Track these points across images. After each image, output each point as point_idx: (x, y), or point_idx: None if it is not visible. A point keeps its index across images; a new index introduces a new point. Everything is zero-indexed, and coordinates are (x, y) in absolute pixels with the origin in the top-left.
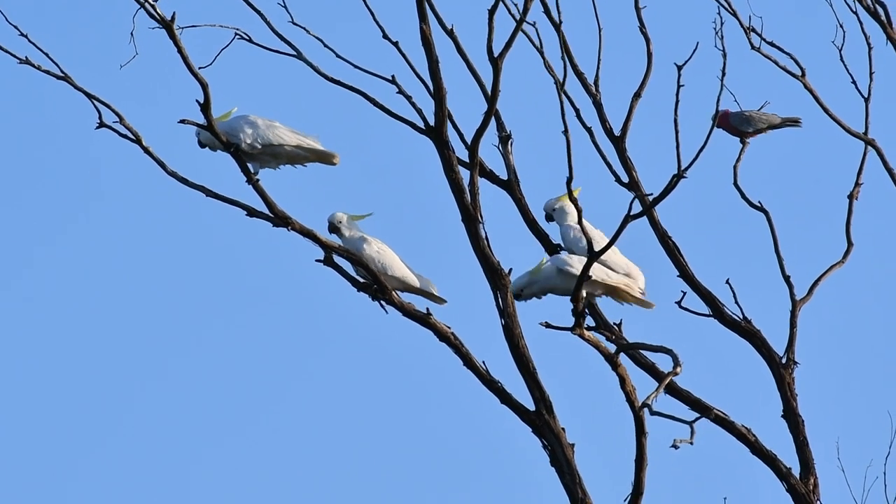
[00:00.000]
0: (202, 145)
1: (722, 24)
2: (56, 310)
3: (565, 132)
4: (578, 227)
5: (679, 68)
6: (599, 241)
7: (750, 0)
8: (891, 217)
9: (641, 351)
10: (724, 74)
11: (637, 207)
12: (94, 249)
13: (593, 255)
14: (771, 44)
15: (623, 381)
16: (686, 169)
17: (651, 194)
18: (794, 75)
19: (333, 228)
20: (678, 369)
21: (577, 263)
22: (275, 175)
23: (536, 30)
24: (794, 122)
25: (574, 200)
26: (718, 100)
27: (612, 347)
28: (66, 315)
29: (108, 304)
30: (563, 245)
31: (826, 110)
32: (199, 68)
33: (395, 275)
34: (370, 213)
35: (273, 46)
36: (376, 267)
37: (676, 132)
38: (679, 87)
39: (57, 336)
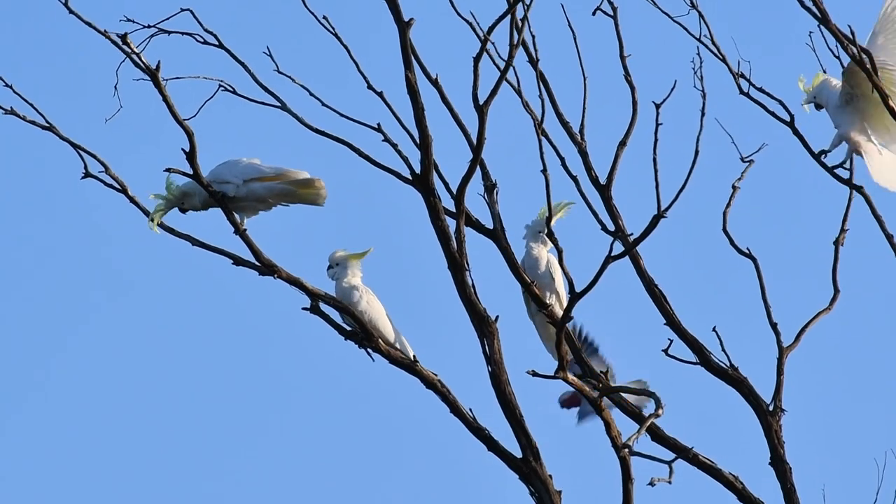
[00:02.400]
0: (183, 210)
1: (701, 63)
2: (38, 360)
3: (544, 171)
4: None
5: (657, 106)
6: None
7: (738, 46)
8: (877, 263)
9: (625, 396)
10: (703, 114)
11: (619, 248)
12: (77, 298)
13: (575, 296)
14: (760, 89)
15: (608, 426)
16: (666, 209)
17: (632, 234)
18: (782, 121)
19: (332, 269)
20: (660, 411)
21: None
22: (262, 224)
23: (516, 74)
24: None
25: (554, 239)
26: (698, 139)
27: (596, 392)
28: (49, 365)
29: (93, 355)
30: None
31: (814, 156)
32: (185, 119)
33: (377, 327)
34: (370, 249)
35: (258, 97)
36: (363, 317)
37: (655, 171)
38: (657, 125)
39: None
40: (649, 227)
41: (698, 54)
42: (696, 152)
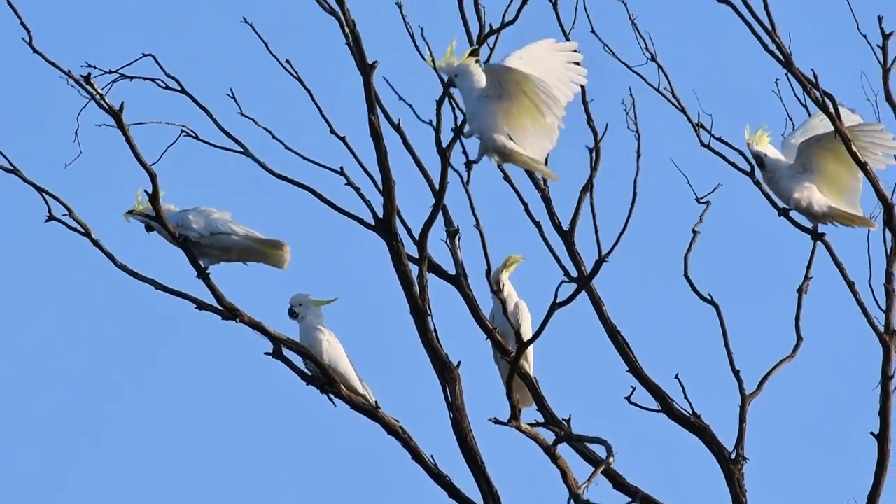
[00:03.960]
0: (149, 229)
1: (634, 103)
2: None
3: (477, 225)
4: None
5: (591, 150)
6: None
7: (699, 96)
8: (840, 311)
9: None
10: (638, 156)
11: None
12: (40, 340)
13: (522, 345)
14: (720, 140)
15: (564, 475)
16: (608, 254)
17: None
18: (743, 171)
19: (293, 313)
20: (611, 459)
21: None
22: (224, 269)
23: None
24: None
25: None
26: (635, 181)
27: (550, 439)
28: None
29: (61, 397)
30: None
31: (776, 206)
32: (149, 165)
33: (340, 371)
34: (335, 299)
35: (221, 141)
36: (325, 361)
37: (594, 215)
38: (593, 165)
39: None
40: (592, 272)
41: (630, 94)
42: (634, 193)
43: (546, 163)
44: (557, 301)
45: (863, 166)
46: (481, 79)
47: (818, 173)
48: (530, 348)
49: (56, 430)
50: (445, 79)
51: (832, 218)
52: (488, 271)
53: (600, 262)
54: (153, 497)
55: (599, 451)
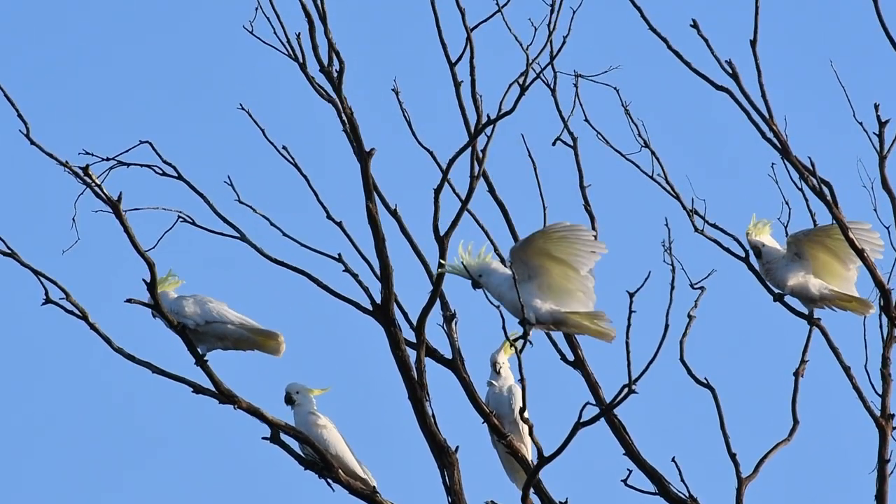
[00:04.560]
0: (155, 315)
1: (671, 242)
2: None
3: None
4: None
5: (631, 295)
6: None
7: (693, 183)
8: (836, 395)
9: None
10: (672, 288)
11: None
12: (36, 423)
13: (543, 460)
14: (714, 226)
15: None
16: (636, 380)
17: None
18: (737, 256)
19: (289, 399)
20: None
21: None
22: (222, 354)
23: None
24: None
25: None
26: (668, 314)
27: None
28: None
29: (58, 483)
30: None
31: (771, 291)
32: (145, 250)
33: (338, 455)
34: (328, 388)
35: (217, 226)
36: (323, 446)
37: (628, 352)
38: (630, 312)
39: None
40: (618, 398)
41: (666, 225)
42: (667, 326)
43: None
44: (581, 421)
45: (860, 253)
46: (503, 269)
47: (812, 261)
48: (526, 431)
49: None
50: (470, 280)
51: (829, 301)
52: (522, 409)
53: (629, 390)
54: None
55: None
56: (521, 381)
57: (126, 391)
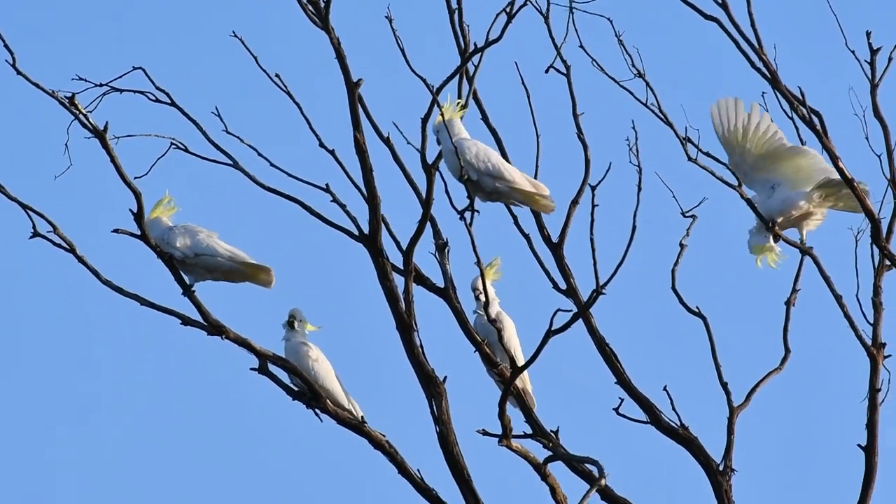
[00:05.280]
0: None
1: (637, 139)
2: None
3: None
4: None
5: (593, 189)
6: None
7: (687, 111)
8: (828, 324)
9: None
10: (639, 190)
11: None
12: (24, 356)
13: (516, 370)
14: (707, 154)
15: (553, 491)
16: (604, 285)
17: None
18: (731, 185)
19: (291, 324)
20: (603, 481)
21: None
22: (210, 284)
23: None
24: None
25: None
26: (635, 215)
27: (541, 457)
28: None
29: (45, 414)
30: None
31: (762, 219)
32: (135, 178)
33: (326, 386)
34: (319, 327)
35: (210, 154)
36: (311, 377)
37: (593, 249)
38: (593, 206)
39: None
40: (588, 302)
41: (633, 128)
42: (634, 227)
43: None
44: (553, 328)
45: (849, 183)
46: (463, 133)
47: (784, 178)
48: (513, 351)
49: (40, 446)
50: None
51: (821, 203)
52: (486, 304)
53: (597, 293)
54: None
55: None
56: (478, 263)
57: (114, 324)
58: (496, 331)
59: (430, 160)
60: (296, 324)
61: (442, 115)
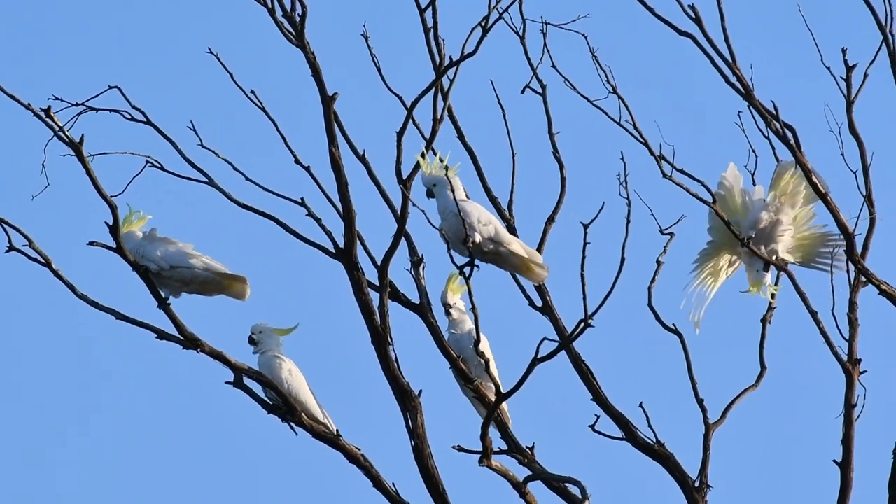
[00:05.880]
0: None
1: (626, 175)
2: None
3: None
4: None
5: (585, 227)
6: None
7: (662, 129)
8: (803, 341)
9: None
10: (628, 221)
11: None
12: (2, 373)
13: (501, 397)
14: (682, 171)
15: None
16: (592, 315)
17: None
18: (705, 202)
19: (252, 340)
20: (586, 503)
21: None
22: (185, 298)
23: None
24: None
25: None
26: (623, 247)
27: (521, 476)
28: None
29: (21, 431)
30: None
31: (737, 237)
32: (112, 196)
33: (300, 400)
34: (296, 326)
35: (185, 173)
36: (286, 390)
37: (583, 283)
38: (585, 244)
39: None
40: (574, 332)
41: (622, 159)
42: (622, 260)
43: None
44: (538, 357)
45: (823, 197)
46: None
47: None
48: (496, 377)
49: (18, 460)
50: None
51: (781, 205)
52: (477, 342)
53: (585, 324)
54: None
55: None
56: (473, 309)
57: (90, 337)
58: (483, 362)
59: (404, 175)
60: (256, 338)
61: (446, 170)
